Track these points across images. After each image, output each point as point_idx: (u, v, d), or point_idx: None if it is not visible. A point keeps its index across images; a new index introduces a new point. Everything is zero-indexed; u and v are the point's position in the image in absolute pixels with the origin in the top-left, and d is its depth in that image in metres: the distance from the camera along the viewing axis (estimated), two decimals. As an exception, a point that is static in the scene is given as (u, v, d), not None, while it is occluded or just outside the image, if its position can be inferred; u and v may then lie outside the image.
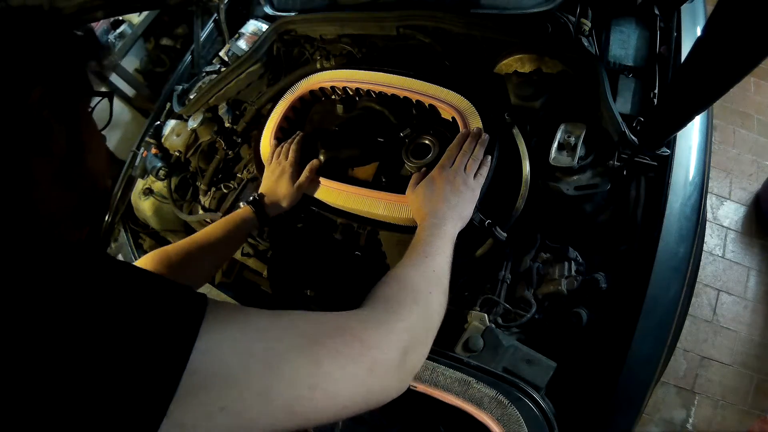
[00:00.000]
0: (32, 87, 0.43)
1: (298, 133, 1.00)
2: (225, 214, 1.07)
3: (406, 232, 0.82)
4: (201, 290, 0.91)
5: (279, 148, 0.97)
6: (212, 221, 1.08)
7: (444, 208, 0.71)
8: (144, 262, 0.75)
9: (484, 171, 0.79)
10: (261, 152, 1.03)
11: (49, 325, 0.28)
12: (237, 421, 0.33)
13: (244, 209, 0.87)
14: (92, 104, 0.54)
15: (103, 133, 0.56)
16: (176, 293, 0.34)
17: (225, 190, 1.13)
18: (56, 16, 0.54)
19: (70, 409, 0.27)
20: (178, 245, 0.79)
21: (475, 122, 0.85)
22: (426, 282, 0.57)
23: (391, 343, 0.46)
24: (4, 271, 0.30)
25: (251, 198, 0.89)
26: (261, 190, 0.92)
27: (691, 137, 0.81)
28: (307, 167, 0.92)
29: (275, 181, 0.91)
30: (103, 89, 0.55)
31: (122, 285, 0.33)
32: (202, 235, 0.82)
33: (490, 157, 0.80)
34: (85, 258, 0.33)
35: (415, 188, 0.78)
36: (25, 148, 0.43)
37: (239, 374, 0.33)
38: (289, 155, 0.94)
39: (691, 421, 1.66)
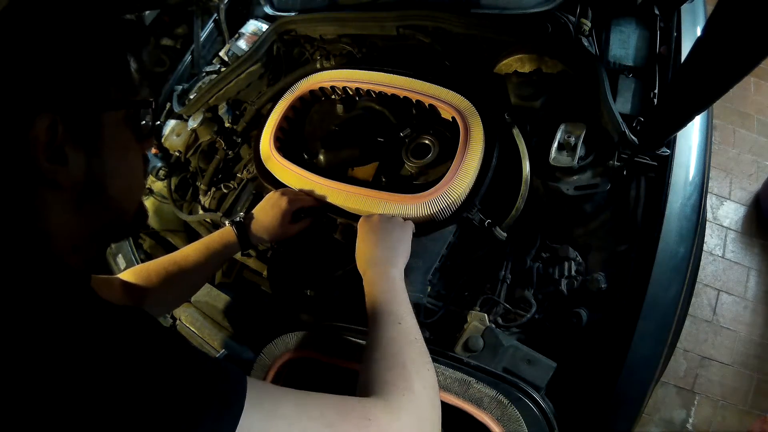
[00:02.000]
0: (35, 115, 0.36)
1: (322, 195, 0.91)
2: (225, 214, 1.07)
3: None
4: (201, 290, 0.92)
5: (301, 189, 0.92)
6: (212, 221, 1.08)
7: (379, 254, 0.70)
8: (126, 276, 0.73)
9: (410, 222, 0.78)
10: (261, 152, 1.03)
11: (90, 399, 0.29)
12: None
13: (226, 231, 0.83)
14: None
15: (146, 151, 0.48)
16: (219, 374, 0.35)
17: (225, 190, 1.13)
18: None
19: None
20: (158, 263, 0.77)
21: (475, 122, 0.85)
22: (417, 355, 0.56)
23: (413, 428, 0.47)
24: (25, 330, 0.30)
25: (236, 219, 0.85)
26: (253, 211, 0.87)
27: (691, 137, 0.81)
28: (302, 221, 0.89)
29: (267, 210, 0.86)
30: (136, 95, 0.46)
31: (167, 360, 0.33)
32: (181, 255, 0.79)
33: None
34: (132, 324, 0.34)
35: (356, 254, 0.75)
36: (29, 182, 0.37)
37: None
38: (298, 198, 0.88)
39: (691, 421, 1.66)
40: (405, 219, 0.79)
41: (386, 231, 0.73)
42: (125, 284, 0.72)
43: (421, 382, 0.52)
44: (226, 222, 0.86)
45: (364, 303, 0.57)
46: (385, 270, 0.68)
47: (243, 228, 0.84)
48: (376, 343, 0.57)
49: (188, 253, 0.80)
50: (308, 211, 0.90)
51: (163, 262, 0.77)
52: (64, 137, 0.37)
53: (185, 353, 0.34)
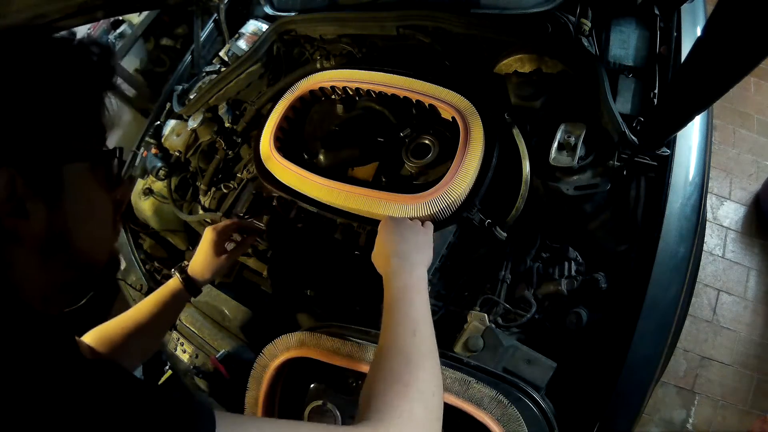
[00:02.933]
0: None
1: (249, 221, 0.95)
2: (224, 214, 1.07)
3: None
4: (204, 291, 0.92)
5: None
6: (212, 221, 1.08)
7: (401, 257, 0.66)
8: (88, 339, 0.73)
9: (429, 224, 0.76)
10: (261, 152, 1.03)
11: None
12: None
13: (173, 281, 0.84)
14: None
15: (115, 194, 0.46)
16: (186, 410, 0.34)
17: (225, 190, 1.13)
18: (47, 34, 0.39)
19: None
20: (115, 324, 0.76)
21: (475, 122, 0.85)
22: (423, 376, 0.52)
23: None
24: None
25: (182, 264, 0.86)
26: (192, 259, 0.87)
27: (691, 137, 0.81)
28: (236, 247, 0.90)
29: (200, 250, 0.87)
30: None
31: (135, 403, 0.32)
32: (136, 312, 0.79)
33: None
34: (96, 373, 0.33)
35: (373, 257, 0.73)
36: None
37: None
38: (225, 227, 0.89)
39: (691, 421, 1.66)
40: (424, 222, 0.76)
41: (413, 231, 0.71)
42: (91, 349, 0.71)
43: (424, 406, 0.48)
44: (172, 271, 0.86)
45: (365, 404, 0.52)
46: (411, 266, 0.64)
47: (187, 276, 0.84)
48: (385, 352, 0.54)
49: (143, 309, 0.79)
50: (249, 231, 0.92)
51: (119, 321, 0.77)
52: (24, 191, 0.36)
53: (151, 399, 0.33)
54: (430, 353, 0.56)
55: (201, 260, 0.86)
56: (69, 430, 0.29)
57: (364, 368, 0.69)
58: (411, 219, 0.76)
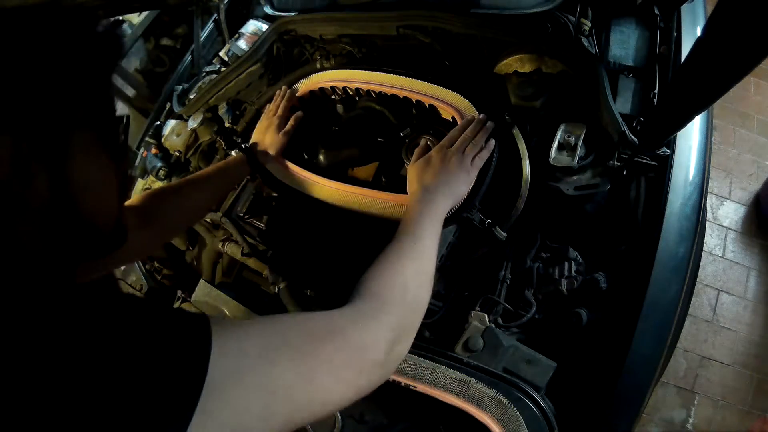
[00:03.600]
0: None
1: (286, 89, 1.07)
2: (224, 214, 1.07)
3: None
4: (201, 290, 0.92)
5: (269, 105, 1.05)
6: (212, 221, 1.08)
7: (436, 183, 0.72)
8: (144, 194, 0.80)
9: (485, 155, 0.79)
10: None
11: (72, 366, 0.29)
12: None
13: (237, 156, 0.93)
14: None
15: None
16: (183, 326, 0.35)
17: (225, 190, 1.13)
18: (60, 11, 0.40)
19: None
20: (175, 184, 0.87)
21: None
22: (414, 272, 0.57)
23: (380, 341, 0.47)
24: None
25: (243, 146, 0.97)
26: (251, 141, 0.99)
27: (691, 137, 0.81)
28: (292, 118, 0.99)
29: (263, 132, 0.98)
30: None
31: (133, 323, 0.34)
32: (196, 175, 0.88)
33: (493, 142, 0.81)
34: (96, 300, 0.34)
35: (413, 163, 0.80)
36: None
37: (239, 402, 0.35)
38: (279, 110, 1.01)
39: (691, 421, 1.66)
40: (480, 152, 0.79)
41: (451, 173, 0.74)
42: (139, 208, 0.77)
43: (404, 294, 0.52)
44: (233, 152, 0.97)
45: (354, 292, 0.56)
46: (434, 197, 0.69)
47: (251, 152, 0.95)
48: (383, 253, 0.58)
49: (204, 173, 0.89)
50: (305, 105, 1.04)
51: (179, 182, 0.87)
52: (29, 157, 0.37)
53: (147, 323, 0.34)
54: (424, 258, 0.60)
55: (265, 140, 0.96)
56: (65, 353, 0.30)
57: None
58: (460, 155, 0.76)
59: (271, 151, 0.95)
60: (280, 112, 1.01)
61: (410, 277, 0.56)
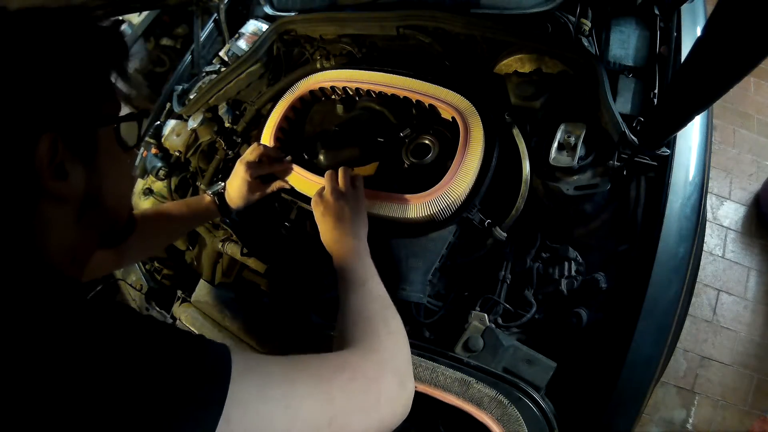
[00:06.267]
0: (38, 135, 0.38)
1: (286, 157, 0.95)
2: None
3: (406, 230, 0.82)
4: (201, 290, 0.92)
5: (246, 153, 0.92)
6: (211, 221, 1.08)
7: (338, 231, 0.72)
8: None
9: (359, 178, 0.81)
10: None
11: (88, 392, 0.30)
12: None
13: (207, 198, 0.91)
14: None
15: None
16: (204, 350, 0.36)
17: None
18: (75, 14, 0.43)
19: None
20: (149, 212, 0.87)
21: (475, 122, 0.85)
22: (380, 308, 0.60)
23: (387, 373, 0.50)
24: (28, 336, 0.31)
25: (216, 190, 0.92)
26: (226, 183, 0.91)
27: (691, 137, 0.81)
28: (276, 183, 0.93)
29: (233, 182, 0.89)
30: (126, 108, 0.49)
31: (156, 344, 0.34)
32: (171, 206, 0.90)
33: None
34: (116, 318, 0.35)
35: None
36: (31, 201, 0.39)
37: (264, 422, 0.36)
38: (258, 167, 0.89)
39: (691, 421, 1.66)
40: (353, 177, 0.81)
41: (339, 208, 0.74)
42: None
43: (386, 328, 0.57)
44: (208, 192, 0.92)
45: (340, 342, 0.58)
46: (347, 244, 0.71)
47: (222, 197, 0.91)
48: (343, 307, 0.61)
49: (175, 207, 0.89)
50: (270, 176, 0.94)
51: (152, 211, 0.88)
52: (65, 154, 0.40)
53: (170, 345, 0.35)
54: (380, 297, 0.63)
55: (234, 192, 0.89)
56: (89, 374, 0.30)
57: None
58: (336, 192, 0.77)
59: (241, 204, 0.89)
60: (261, 171, 0.89)
61: (380, 314, 0.59)
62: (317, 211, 0.77)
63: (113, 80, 0.46)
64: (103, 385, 0.30)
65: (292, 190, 0.95)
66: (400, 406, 0.50)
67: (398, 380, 0.50)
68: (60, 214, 0.41)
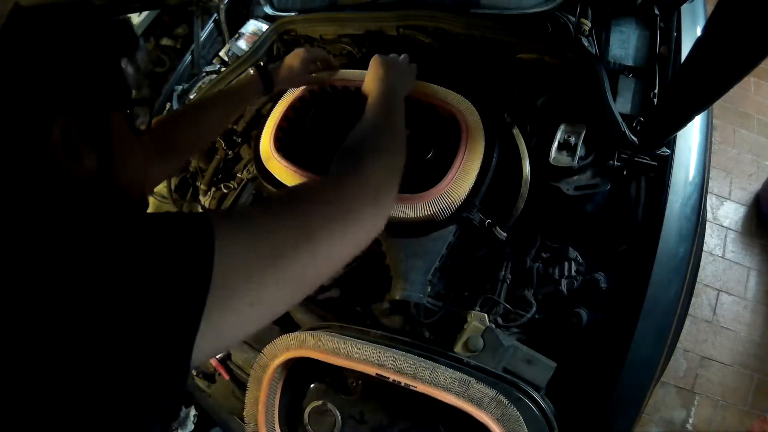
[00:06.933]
0: (52, 120, 0.40)
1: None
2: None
3: (406, 230, 0.82)
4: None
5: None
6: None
7: (389, 77, 0.76)
8: (159, 122, 0.79)
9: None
10: (261, 152, 1.03)
11: (89, 270, 0.31)
12: (263, 309, 0.39)
13: (250, 74, 0.91)
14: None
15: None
16: (185, 223, 0.37)
17: (225, 190, 1.12)
18: (86, 7, 0.46)
19: (113, 325, 0.31)
20: (187, 107, 0.90)
21: (475, 122, 0.85)
22: (388, 131, 0.63)
23: (365, 189, 0.52)
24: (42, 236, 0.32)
25: (258, 64, 0.93)
26: (281, 62, 0.95)
27: (691, 137, 0.81)
28: (326, 58, 0.97)
29: (290, 57, 0.94)
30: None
31: (143, 231, 0.36)
32: (207, 97, 0.92)
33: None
34: (105, 217, 0.37)
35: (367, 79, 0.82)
36: (48, 183, 0.41)
37: (254, 272, 0.38)
38: (316, 51, 0.97)
39: (691, 421, 1.66)
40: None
41: (398, 66, 0.81)
42: (158, 137, 0.77)
43: (376, 159, 0.57)
44: (250, 70, 0.94)
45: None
46: (394, 90, 0.74)
47: (265, 70, 0.91)
48: (356, 129, 0.63)
49: (217, 92, 0.92)
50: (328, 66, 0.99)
51: (192, 102, 0.92)
52: (78, 136, 0.42)
53: (155, 220, 0.37)
54: (394, 131, 0.65)
55: (287, 65, 0.92)
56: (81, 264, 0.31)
57: (364, 368, 0.69)
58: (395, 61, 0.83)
59: (286, 74, 0.93)
60: (314, 51, 0.96)
61: (384, 135, 0.62)
62: (377, 60, 0.81)
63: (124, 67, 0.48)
64: (69, 288, 0.31)
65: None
66: (372, 221, 0.52)
67: (373, 195, 0.52)
68: (71, 192, 0.43)
